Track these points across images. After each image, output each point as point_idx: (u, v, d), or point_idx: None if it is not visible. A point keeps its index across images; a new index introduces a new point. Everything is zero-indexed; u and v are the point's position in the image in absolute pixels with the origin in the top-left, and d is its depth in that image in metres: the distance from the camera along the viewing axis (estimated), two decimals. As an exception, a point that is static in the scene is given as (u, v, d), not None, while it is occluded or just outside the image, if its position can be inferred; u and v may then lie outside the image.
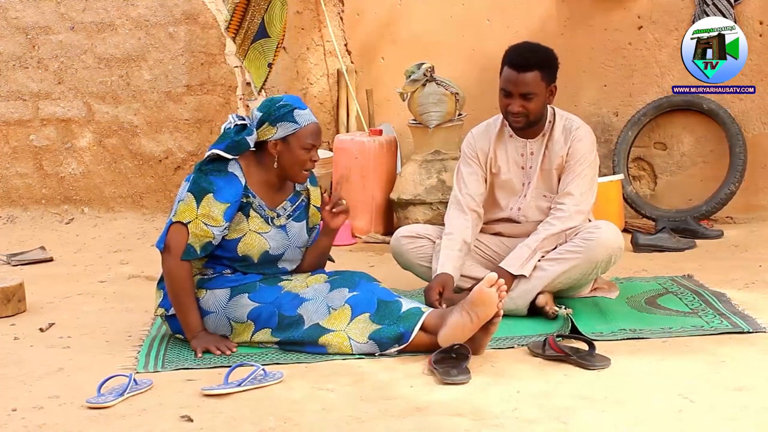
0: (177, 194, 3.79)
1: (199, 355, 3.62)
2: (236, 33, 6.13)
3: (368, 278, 3.79)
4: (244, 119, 3.79)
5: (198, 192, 3.66)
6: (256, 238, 3.74)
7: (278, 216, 3.80)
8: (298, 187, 3.88)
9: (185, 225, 3.65)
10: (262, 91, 6.23)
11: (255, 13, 6.08)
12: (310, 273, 3.86)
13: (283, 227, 3.80)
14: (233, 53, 6.67)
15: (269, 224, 3.77)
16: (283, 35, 6.04)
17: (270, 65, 6.09)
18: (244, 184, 3.71)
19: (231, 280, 3.76)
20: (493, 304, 3.39)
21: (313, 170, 3.89)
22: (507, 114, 4.07)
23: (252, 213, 3.74)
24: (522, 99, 4.00)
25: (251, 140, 3.73)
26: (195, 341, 3.68)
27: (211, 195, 3.66)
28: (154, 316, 3.98)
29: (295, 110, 3.71)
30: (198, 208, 3.65)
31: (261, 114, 3.73)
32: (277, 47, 6.03)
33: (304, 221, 3.88)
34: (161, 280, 3.81)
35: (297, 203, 3.87)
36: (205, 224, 3.65)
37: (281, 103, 3.74)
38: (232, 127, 3.76)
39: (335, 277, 3.76)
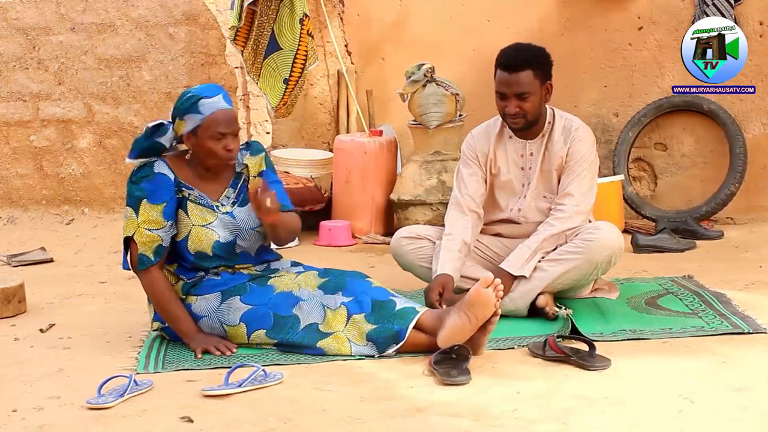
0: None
1: (199, 355, 3.62)
2: (244, 45, 6.09)
3: (360, 276, 3.77)
4: (163, 122, 3.75)
5: (134, 202, 3.70)
6: (202, 231, 3.72)
7: (222, 205, 3.78)
8: (237, 168, 3.83)
9: (132, 238, 3.69)
10: (282, 108, 6.16)
11: (263, 23, 6.01)
12: (297, 273, 3.81)
13: (229, 213, 3.76)
14: (232, 54, 6.67)
15: (215, 212, 3.74)
16: (305, 48, 5.94)
17: (286, 81, 5.99)
18: (173, 179, 3.71)
19: (219, 283, 3.75)
20: (490, 304, 3.40)
21: (260, 144, 3.88)
22: (505, 116, 4.07)
23: (190, 206, 3.73)
24: (518, 99, 4.00)
25: (166, 140, 3.72)
26: (194, 343, 3.68)
27: (144, 200, 3.68)
28: (151, 331, 3.96)
29: (201, 100, 3.63)
30: (137, 217, 3.68)
31: (173, 110, 3.72)
32: (295, 59, 5.93)
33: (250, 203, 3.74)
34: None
35: (239, 186, 3.83)
36: (149, 230, 3.68)
37: (189, 94, 3.69)
38: (141, 134, 3.76)
39: (326, 280, 3.71)
